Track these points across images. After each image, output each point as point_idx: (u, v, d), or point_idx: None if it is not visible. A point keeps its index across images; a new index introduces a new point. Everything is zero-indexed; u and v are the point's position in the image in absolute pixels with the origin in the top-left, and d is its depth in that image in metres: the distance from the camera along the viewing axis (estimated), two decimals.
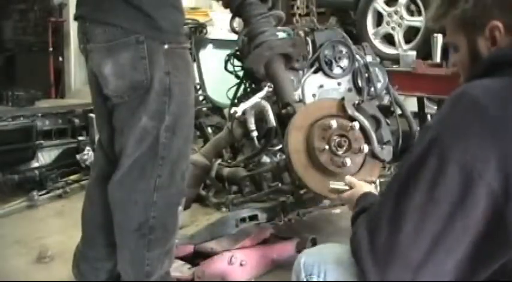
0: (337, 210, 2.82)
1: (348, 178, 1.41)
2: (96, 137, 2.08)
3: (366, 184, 1.38)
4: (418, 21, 3.80)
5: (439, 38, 3.51)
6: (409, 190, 0.95)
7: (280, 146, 2.36)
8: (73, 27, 4.60)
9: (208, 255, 2.18)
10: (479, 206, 0.89)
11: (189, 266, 2.14)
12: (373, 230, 0.99)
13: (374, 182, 1.42)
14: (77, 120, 3.69)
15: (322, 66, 2.49)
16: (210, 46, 4.09)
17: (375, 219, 1.01)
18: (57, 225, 2.88)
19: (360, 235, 1.01)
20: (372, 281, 0.97)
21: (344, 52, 2.54)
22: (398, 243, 0.94)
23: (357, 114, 2.11)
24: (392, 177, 1.04)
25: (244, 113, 2.29)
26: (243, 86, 2.64)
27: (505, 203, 0.89)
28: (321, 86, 2.51)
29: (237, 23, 2.52)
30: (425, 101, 3.94)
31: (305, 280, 1.17)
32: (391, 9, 3.93)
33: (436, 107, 3.93)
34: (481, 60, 1.07)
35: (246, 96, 2.52)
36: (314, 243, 2.25)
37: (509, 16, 1.02)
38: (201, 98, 3.86)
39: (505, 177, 0.88)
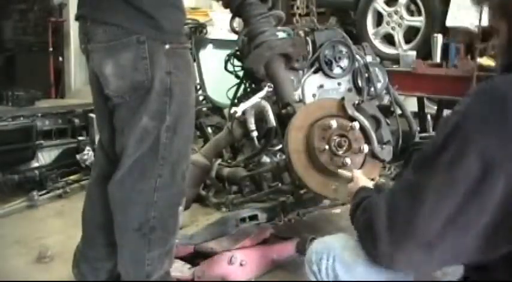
0: (337, 210, 2.82)
1: (355, 172, 1.49)
2: (97, 137, 2.08)
3: (365, 180, 1.43)
4: (418, 21, 3.81)
5: (439, 38, 3.52)
6: (430, 170, 0.99)
7: (280, 146, 2.36)
8: (73, 27, 4.60)
9: (208, 255, 2.18)
10: (495, 193, 0.92)
11: (189, 266, 2.14)
12: (392, 206, 1.03)
13: (373, 180, 1.46)
14: (77, 120, 3.69)
15: (322, 66, 2.49)
16: (210, 46, 4.09)
17: (394, 196, 1.05)
18: (57, 225, 2.88)
19: (378, 208, 1.05)
20: (382, 252, 1.02)
21: (344, 52, 2.54)
22: (417, 217, 0.98)
23: (357, 114, 2.11)
24: (415, 158, 1.08)
25: (244, 113, 2.29)
26: (243, 86, 2.64)
27: None
28: (321, 86, 2.51)
29: (237, 23, 2.52)
30: (425, 101, 3.95)
31: (315, 266, 1.22)
32: (391, 9, 3.94)
33: (436, 107, 3.94)
34: None
35: (246, 96, 2.52)
36: None
37: None
38: (201, 98, 3.86)
39: None
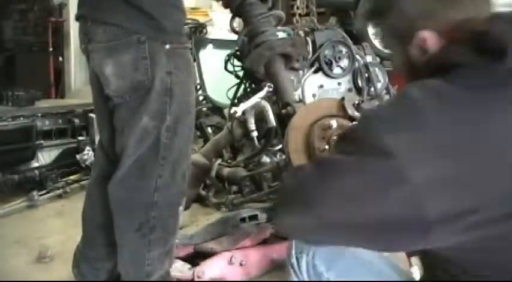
0: None
1: None
2: (97, 137, 2.08)
3: None
4: None
5: None
6: (339, 161, 0.94)
7: (280, 146, 2.36)
8: (73, 27, 4.60)
9: (208, 255, 2.18)
10: (396, 204, 0.86)
11: (189, 266, 2.14)
12: (300, 176, 0.99)
13: None
14: (77, 120, 3.69)
15: (322, 66, 2.49)
16: (210, 46, 4.09)
17: (307, 168, 1.02)
18: (57, 225, 2.88)
19: (290, 175, 1.04)
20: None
21: (344, 52, 2.54)
22: (314, 189, 0.93)
23: (357, 114, 2.11)
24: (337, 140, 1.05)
25: (244, 113, 2.29)
26: (243, 86, 2.64)
27: (424, 207, 0.85)
28: (321, 86, 2.51)
29: (237, 23, 2.52)
30: None
31: (294, 259, 1.21)
32: None
33: None
34: (414, 66, 1.04)
35: (246, 96, 2.52)
36: None
37: (436, 25, 0.99)
38: (201, 98, 3.86)
39: (431, 181, 0.85)
